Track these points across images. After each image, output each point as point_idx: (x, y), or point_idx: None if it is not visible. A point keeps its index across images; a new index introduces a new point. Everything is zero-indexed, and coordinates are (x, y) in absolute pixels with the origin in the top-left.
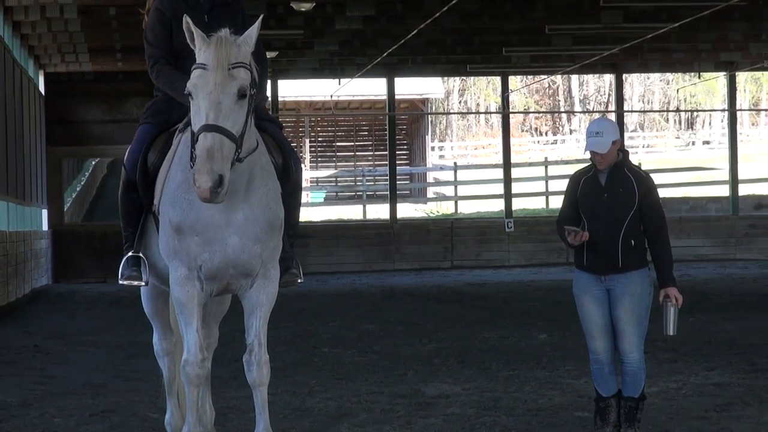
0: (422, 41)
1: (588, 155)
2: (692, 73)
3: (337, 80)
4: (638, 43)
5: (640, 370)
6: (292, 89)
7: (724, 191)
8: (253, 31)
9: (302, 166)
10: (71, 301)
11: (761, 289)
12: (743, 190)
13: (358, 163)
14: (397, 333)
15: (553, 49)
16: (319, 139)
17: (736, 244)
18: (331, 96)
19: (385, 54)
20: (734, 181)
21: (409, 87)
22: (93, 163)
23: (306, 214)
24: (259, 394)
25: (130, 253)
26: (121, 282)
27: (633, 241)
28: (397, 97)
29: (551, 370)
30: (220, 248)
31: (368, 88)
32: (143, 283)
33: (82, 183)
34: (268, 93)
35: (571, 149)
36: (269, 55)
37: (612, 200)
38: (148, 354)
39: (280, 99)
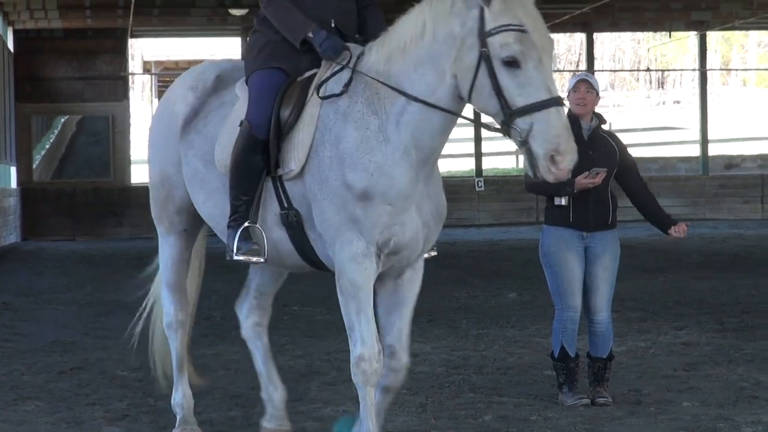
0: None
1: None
2: (663, 33)
3: None
4: (609, 2)
5: (608, 330)
6: None
7: (694, 151)
8: None
9: None
10: (40, 258)
11: (731, 249)
12: (713, 149)
13: None
14: None
15: None
16: None
17: (705, 204)
18: None
19: None
20: (704, 141)
21: None
22: (62, 120)
23: None
24: (385, 399)
25: (246, 224)
26: (236, 258)
27: (616, 199)
28: None
29: (520, 329)
30: (409, 220)
31: None
32: (262, 260)
33: (51, 140)
34: None
35: None
36: (239, 12)
37: (598, 158)
38: (117, 311)
39: None
